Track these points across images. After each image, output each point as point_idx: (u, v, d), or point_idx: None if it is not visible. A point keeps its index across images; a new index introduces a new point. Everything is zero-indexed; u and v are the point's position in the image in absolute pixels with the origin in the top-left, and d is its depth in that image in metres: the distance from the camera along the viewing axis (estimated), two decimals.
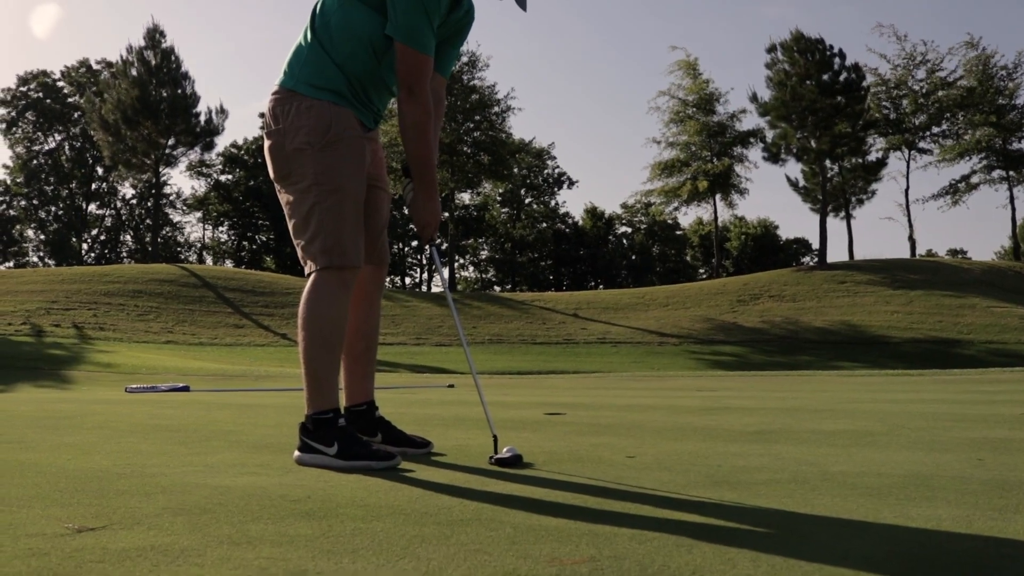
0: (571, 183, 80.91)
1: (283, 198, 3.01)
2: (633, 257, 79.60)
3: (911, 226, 47.72)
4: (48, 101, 66.74)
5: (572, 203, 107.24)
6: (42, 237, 69.64)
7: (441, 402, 5.92)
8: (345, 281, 2.94)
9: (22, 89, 67.35)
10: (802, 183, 50.15)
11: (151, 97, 40.18)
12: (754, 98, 45.82)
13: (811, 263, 72.27)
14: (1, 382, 9.81)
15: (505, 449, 2.95)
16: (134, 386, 8.07)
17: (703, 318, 34.19)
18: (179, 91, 41.30)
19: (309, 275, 2.94)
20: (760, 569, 1.45)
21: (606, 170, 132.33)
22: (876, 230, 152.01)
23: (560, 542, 1.65)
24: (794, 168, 69.05)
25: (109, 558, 1.48)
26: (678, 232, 79.82)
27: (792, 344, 29.55)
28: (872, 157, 48.75)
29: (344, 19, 2.97)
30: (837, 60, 44.91)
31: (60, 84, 67.78)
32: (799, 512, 1.99)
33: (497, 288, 77.91)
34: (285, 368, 17.65)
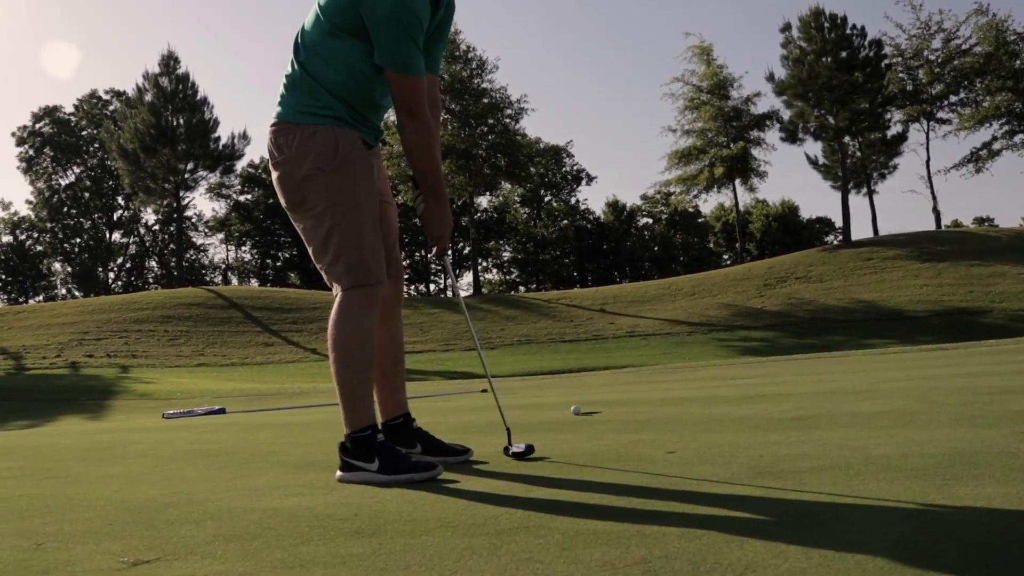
0: (590, 179, 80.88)
1: (299, 226, 3.04)
2: (656, 248, 79.29)
3: (934, 198, 47.18)
4: (63, 136, 67.65)
5: (592, 199, 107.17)
6: (69, 269, 70.56)
7: (476, 408, 5.93)
8: (371, 298, 2.96)
9: (37, 126, 68.33)
10: (822, 161, 49.73)
11: (167, 123, 40.59)
12: (771, 77, 45.53)
13: (835, 242, 71.69)
14: (42, 415, 9.96)
15: (518, 446, 3.17)
16: (171, 411, 8.15)
17: (730, 305, 33.99)
18: (197, 116, 41.70)
19: (336, 296, 2.97)
20: (812, 561, 1.44)
21: (624, 163, 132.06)
22: (900, 204, 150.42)
23: (610, 545, 1.66)
24: (813, 147, 68.56)
25: None
26: (700, 220, 79.41)
27: (821, 325, 29.30)
28: (892, 131, 48.26)
29: (330, 51, 2.97)
30: (857, 37, 44.50)
31: (72, 118, 68.68)
32: (846, 499, 1.98)
33: (522, 289, 77.93)
34: (317, 383, 17.74)
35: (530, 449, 3.13)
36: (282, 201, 3.03)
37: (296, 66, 3.04)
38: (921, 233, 43.24)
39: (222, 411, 8.07)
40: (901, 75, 47.51)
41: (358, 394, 2.91)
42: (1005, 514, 1.70)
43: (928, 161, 47.83)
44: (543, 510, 2.08)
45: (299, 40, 3.07)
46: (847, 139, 46.65)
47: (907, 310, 30.17)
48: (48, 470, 3.65)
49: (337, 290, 2.97)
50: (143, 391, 13.82)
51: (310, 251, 3.03)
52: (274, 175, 3.03)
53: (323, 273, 3.02)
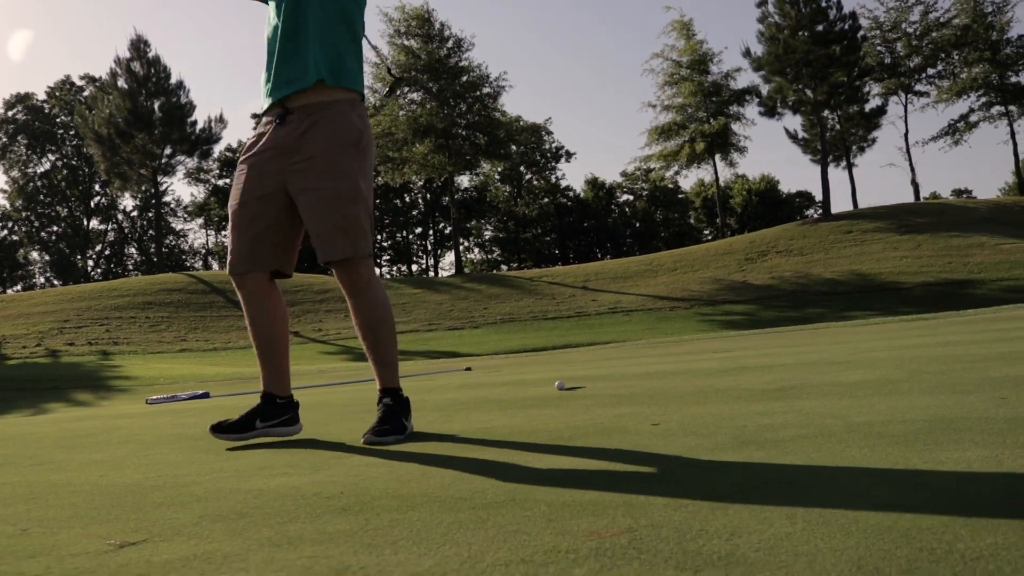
0: (569, 156, 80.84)
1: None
2: (637, 224, 79.42)
3: (913, 170, 47.55)
4: (36, 124, 66.79)
5: (572, 176, 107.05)
6: (47, 258, 69.86)
7: (461, 386, 5.94)
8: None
9: (9, 114, 67.39)
10: (801, 135, 49.90)
11: (142, 108, 40.13)
12: (747, 53, 45.49)
13: (816, 215, 72.02)
14: (24, 405, 9.89)
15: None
16: (155, 397, 8.12)
17: (712, 279, 34.12)
18: (172, 100, 41.25)
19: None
20: (797, 526, 1.46)
21: (604, 139, 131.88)
22: (879, 177, 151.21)
23: (596, 516, 1.67)
24: (792, 121, 68.72)
25: (154, 571, 1.50)
26: (680, 196, 79.58)
27: (803, 298, 29.48)
28: (870, 104, 48.43)
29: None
30: (833, 11, 44.47)
31: (46, 106, 67.79)
32: (829, 465, 2.01)
33: (504, 268, 77.96)
34: (300, 365, 17.70)
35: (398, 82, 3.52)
36: None
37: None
38: (900, 205, 43.51)
39: (206, 395, 8.04)
40: (879, 48, 47.65)
41: None
42: (985, 476, 1.73)
43: (907, 134, 48.12)
44: (529, 482, 2.09)
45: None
46: (826, 113, 46.77)
47: (888, 282, 30.40)
48: (31, 457, 3.63)
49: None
50: (126, 378, 13.75)
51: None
52: None
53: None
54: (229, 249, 3.27)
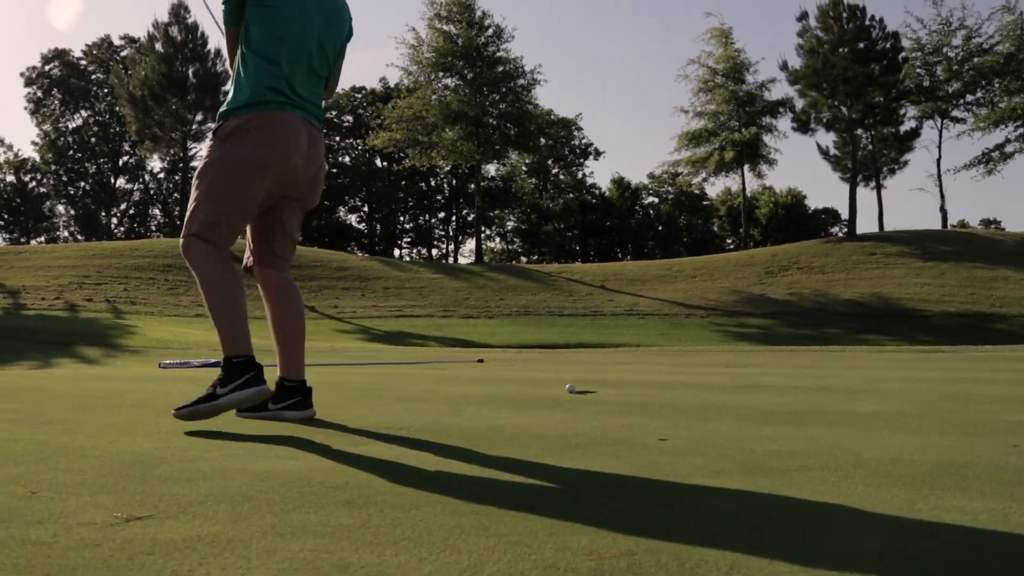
0: (598, 154, 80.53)
1: (294, 212, 3.63)
2: (660, 228, 79.13)
3: (943, 196, 47.03)
4: (72, 80, 67.29)
5: (599, 174, 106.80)
6: (72, 212, 70.47)
7: (472, 379, 5.96)
8: None
9: (46, 68, 67.92)
10: (832, 151, 49.52)
11: (177, 73, 40.36)
12: (784, 66, 45.19)
13: (840, 233, 71.49)
14: (38, 357, 9.99)
15: None
16: (167, 361, 8.18)
17: (730, 290, 34.00)
18: (207, 67, 41.46)
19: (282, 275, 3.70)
20: (797, 566, 1.46)
21: (633, 140, 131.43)
22: (907, 201, 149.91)
23: (597, 533, 1.67)
24: (824, 137, 68.09)
25: (159, 550, 1.52)
26: (705, 202, 79.18)
27: (821, 317, 29.32)
28: (905, 127, 47.98)
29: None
30: (875, 29, 44.08)
31: (83, 62, 68.26)
32: (834, 503, 2.00)
33: (523, 259, 77.95)
34: (313, 342, 17.75)
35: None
36: (316, 196, 3.66)
37: (323, 86, 3.67)
38: (926, 232, 43.13)
39: (218, 364, 8.09)
40: (919, 70, 47.13)
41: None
42: (992, 535, 1.71)
43: (939, 160, 47.65)
44: (534, 492, 2.10)
45: (322, 63, 3.60)
46: (859, 131, 46.39)
47: (907, 308, 30.18)
48: (44, 415, 3.67)
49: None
50: (140, 339, 13.86)
51: (295, 237, 3.71)
52: (321, 172, 3.64)
53: (289, 253, 3.68)
54: None
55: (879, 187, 48.99)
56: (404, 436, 3.13)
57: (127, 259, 32.01)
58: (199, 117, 41.95)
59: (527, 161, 65.67)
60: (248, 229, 3.63)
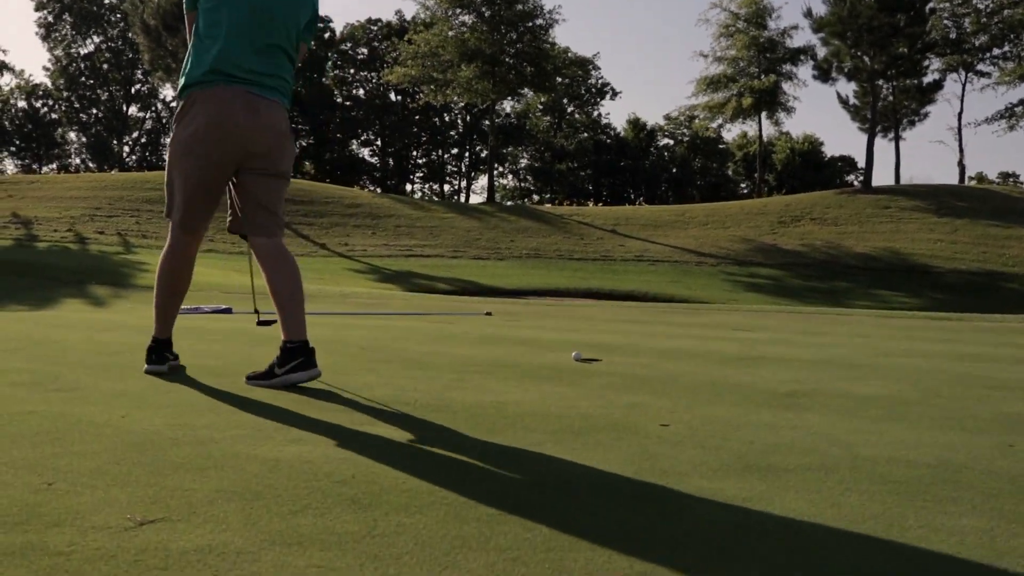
0: (614, 94, 79.59)
1: (272, 185, 3.80)
2: (674, 170, 78.52)
3: (961, 151, 46.49)
4: (83, 4, 66.44)
5: (615, 114, 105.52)
6: (83, 140, 70.27)
7: (479, 339, 6.01)
8: None
9: None
10: (852, 101, 48.83)
11: None
12: (808, 13, 44.28)
13: (856, 182, 70.80)
14: (50, 297, 10.09)
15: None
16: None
17: (742, 239, 33.89)
18: None
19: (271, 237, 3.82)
20: None
21: (651, 82, 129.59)
22: (925, 153, 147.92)
23: (594, 551, 1.72)
24: (844, 87, 66.97)
25: (172, 564, 1.58)
26: (721, 146, 78.34)
27: (832, 269, 29.25)
28: (928, 79, 47.16)
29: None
30: None
31: None
32: (827, 512, 2.05)
33: (536, 197, 77.71)
34: (323, 284, 17.90)
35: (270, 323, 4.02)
36: (282, 166, 3.80)
37: (285, 56, 3.78)
38: (942, 186, 42.73)
39: (228, 311, 8.18)
40: (946, 21, 46.12)
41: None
42: (974, 563, 1.76)
43: (960, 113, 46.97)
44: (535, 493, 2.15)
45: (289, 42, 3.78)
46: (880, 82, 45.64)
47: (919, 264, 30.06)
48: (57, 378, 3.74)
49: (276, 235, 3.85)
50: (150, 277, 13.97)
51: (269, 204, 3.79)
52: (288, 145, 3.82)
53: (272, 219, 3.81)
54: None
55: (897, 138, 48.49)
56: (408, 414, 3.19)
57: (139, 191, 32.03)
58: None
59: (542, 100, 64.93)
60: (229, 196, 3.91)
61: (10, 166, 69.78)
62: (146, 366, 3.92)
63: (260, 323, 4.19)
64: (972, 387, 4.18)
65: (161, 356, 3.96)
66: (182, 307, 8.29)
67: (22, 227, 24.45)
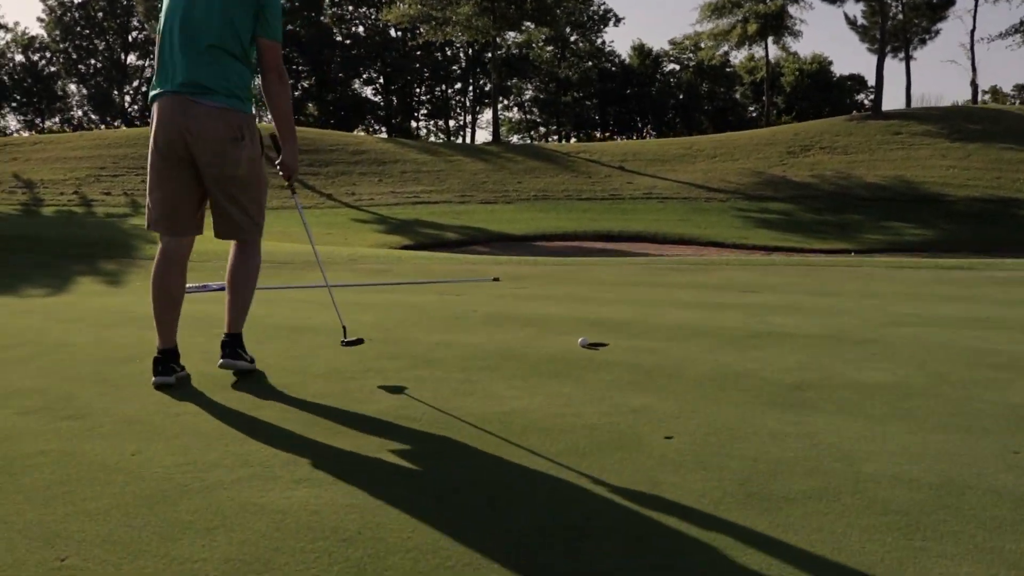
0: (617, 20, 78.03)
1: (235, 191, 3.93)
2: (681, 97, 77.35)
3: (974, 69, 45.54)
4: None
5: (619, 41, 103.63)
6: (84, 92, 69.64)
7: (486, 318, 6.01)
8: None
9: None
10: (860, 21, 47.77)
11: None
12: None
13: (867, 101, 69.58)
14: (59, 275, 10.14)
15: (350, 339, 4.33)
16: (188, 285, 8.31)
17: (751, 171, 33.54)
18: None
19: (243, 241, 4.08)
20: None
21: (653, 5, 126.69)
22: (936, 73, 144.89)
23: None
24: (852, 7, 65.35)
25: None
26: (728, 69, 76.92)
27: (842, 201, 28.97)
28: None
29: (246, 51, 3.87)
30: None
31: None
32: (827, 558, 2.08)
33: (542, 129, 76.91)
34: (331, 245, 17.85)
35: (359, 341, 4.38)
36: (227, 169, 3.85)
37: (230, 57, 3.80)
38: (954, 108, 42.01)
39: None
40: None
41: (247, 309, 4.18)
42: None
43: (973, 30, 45.86)
44: (537, 538, 2.17)
45: (233, 41, 3.82)
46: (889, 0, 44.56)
47: (931, 192, 29.71)
48: (68, 401, 3.77)
49: (251, 236, 4.08)
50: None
51: (229, 209, 3.94)
52: (229, 150, 3.83)
53: (250, 221, 4.01)
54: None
55: (908, 58, 47.52)
56: (415, 430, 3.23)
57: (142, 147, 31.77)
58: None
59: (544, 34, 63.75)
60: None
61: (12, 122, 69.44)
62: (153, 379, 3.96)
63: (345, 343, 4.36)
64: (979, 368, 4.17)
65: (167, 367, 3.99)
66: (193, 285, 8.30)
67: (27, 191, 24.44)
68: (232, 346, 4.10)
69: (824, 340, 4.96)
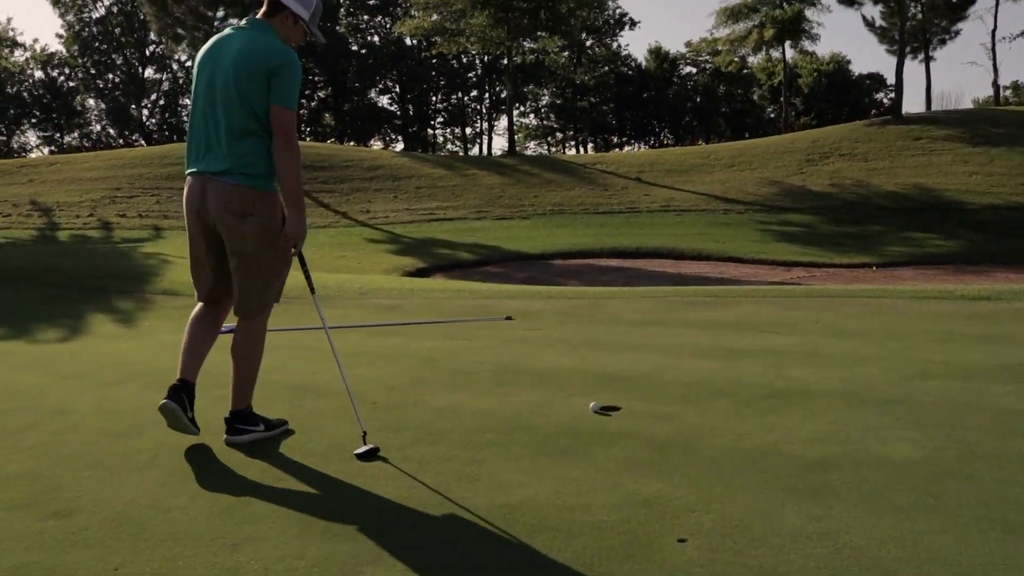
0: (633, 24, 77.89)
1: (237, 263, 4.02)
2: (698, 100, 76.99)
3: (996, 70, 45.01)
4: None
5: (635, 45, 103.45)
6: (103, 106, 70.23)
7: (498, 373, 5.84)
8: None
9: None
10: (878, 23, 47.31)
11: None
12: None
13: (885, 100, 68.90)
14: (71, 313, 10.04)
15: (364, 448, 3.97)
16: None
17: (769, 181, 33.17)
18: None
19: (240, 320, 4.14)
20: None
21: (669, 9, 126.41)
22: (957, 74, 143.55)
23: None
24: (870, 8, 64.87)
25: None
26: (745, 71, 76.52)
27: (863, 211, 28.55)
28: None
29: (264, 127, 3.93)
30: None
31: None
32: None
33: (559, 135, 76.81)
34: (347, 268, 17.71)
35: (375, 451, 3.98)
36: (235, 244, 3.98)
37: (246, 135, 3.90)
38: (977, 111, 41.44)
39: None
40: None
41: (253, 382, 4.22)
42: None
43: (994, 30, 45.34)
44: None
45: (245, 118, 3.90)
46: (908, 0, 44.08)
47: (954, 200, 29.21)
48: (56, 492, 3.63)
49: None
50: (174, 273, 13.94)
51: (239, 284, 4.05)
52: (235, 226, 3.94)
53: (242, 303, 4.08)
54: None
55: (928, 59, 47.01)
56: (416, 528, 3.09)
57: (157, 167, 31.91)
58: (220, 14, 40.81)
59: (559, 43, 63.69)
60: None
61: (32, 138, 70.10)
62: (164, 400, 4.03)
63: (359, 455, 3.99)
64: (1013, 437, 3.96)
65: (178, 396, 4.06)
66: None
67: (44, 215, 24.53)
68: (233, 422, 4.18)
69: (847, 400, 4.75)
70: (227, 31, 4.10)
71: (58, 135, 69.10)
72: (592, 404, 4.78)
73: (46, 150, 68.40)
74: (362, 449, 3.99)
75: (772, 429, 4.24)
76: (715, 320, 7.86)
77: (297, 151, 3.94)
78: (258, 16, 4.06)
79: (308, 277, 4.38)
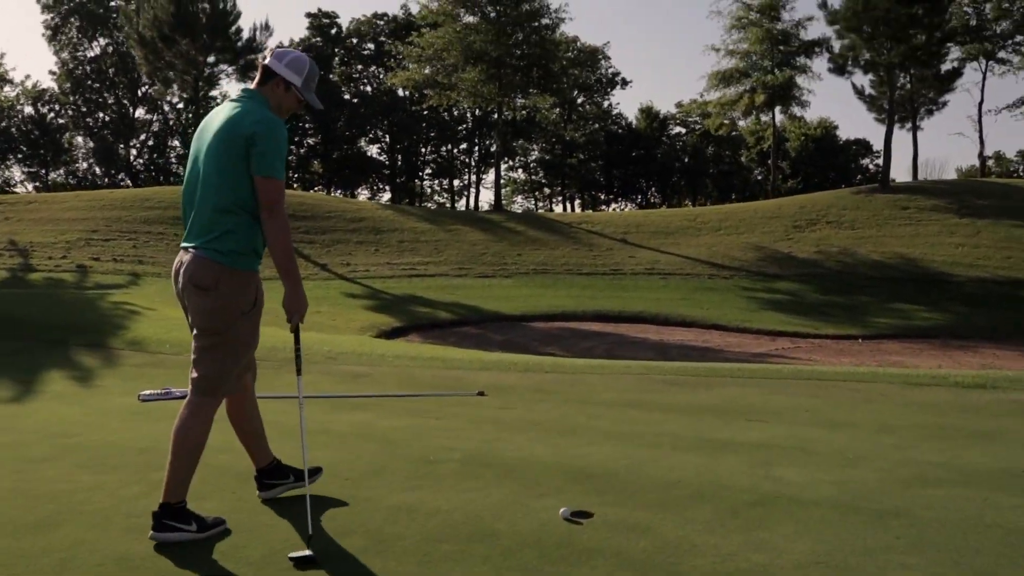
0: (625, 83, 78.78)
1: (197, 337, 3.88)
2: (687, 160, 77.68)
3: (982, 143, 45.51)
4: (90, 5, 66.12)
5: (625, 104, 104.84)
6: (91, 145, 70.04)
7: (465, 464, 5.41)
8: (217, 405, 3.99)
9: None
10: (868, 91, 47.91)
11: (188, 12, 39.04)
12: (823, 5, 43.28)
13: (871, 166, 69.57)
14: (30, 367, 9.51)
15: (301, 554, 3.60)
16: (147, 393, 7.76)
17: (756, 246, 33.06)
18: (218, 5, 40.04)
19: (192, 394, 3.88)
20: None
21: (661, 71, 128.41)
22: (944, 144, 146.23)
23: None
24: (861, 77, 65.91)
25: None
26: (734, 133, 77.33)
27: (849, 280, 28.41)
28: (947, 67, 46.14)
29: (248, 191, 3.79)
30: None
31: None
32: None
33: (547, 190, 77.08)
34: (318, 332, 17.21)
35: (310, 560, 3.56)
36: (193, 319, 3.87)
37: (224, 212, 3.79)
38: (963, 183, 41.77)
39: None
40: (966, 8, 45.09)
41: (190, 474, 3.87)
42: None
43: (981, 103, 45.94)
44: None
45: (221, 193, 3.80)
46: (898, 71, 44.66)
47: (940, 272, 29.13)
48: None
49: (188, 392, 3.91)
50: (141, 326, 13.45)
51: (199, 358, 3.85)
52: (194, 299, 3.83)
53: (196, 379, 3.86)
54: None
55: (915, 128, 47.52)
56: None
57: (137, 211, 31.43)
58: (211, 59, 40.81)
59: (550, 101, 64.27)
60: None
61: (17, 173, 69.67)
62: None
63: (295, 561, 3.62)
64: (1020, 562, 3.56)
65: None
66: (150, 393, 7.76)
67: (18, 255, 24.00)
68: (160, 517, 3.80)
69: (842, 511, 4.35)
70: (221, 104, 4.06)
71: (43, 171, 68.68)
72: (562, 510, 4.36)
73: (30, 186, 67.95)
74: (299, 554, 3.61)
75: (760, 547, 3.82)
76: (698, 405, 7.47)
77: (284, 222, 3.80)
78: (252, 86, 3.98)
79: (298, 356, 4.27)
